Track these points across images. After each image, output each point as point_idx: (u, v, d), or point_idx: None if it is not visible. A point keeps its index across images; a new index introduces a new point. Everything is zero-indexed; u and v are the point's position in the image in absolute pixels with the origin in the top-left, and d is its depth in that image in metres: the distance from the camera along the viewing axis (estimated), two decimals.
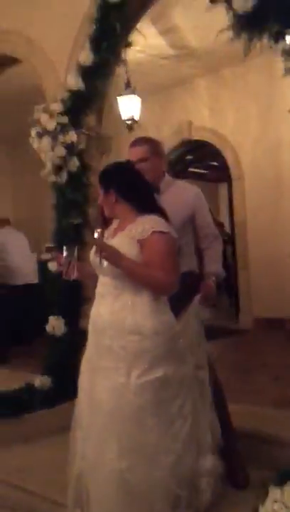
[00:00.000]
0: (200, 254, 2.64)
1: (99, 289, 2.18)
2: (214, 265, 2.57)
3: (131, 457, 1.94)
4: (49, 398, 3.14)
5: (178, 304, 2.22)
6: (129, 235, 2.09)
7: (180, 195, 2.54)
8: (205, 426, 2.19)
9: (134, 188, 2.21)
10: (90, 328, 2.20)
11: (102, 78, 3.43)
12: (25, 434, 2.97)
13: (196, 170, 10.42)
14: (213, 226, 2.61)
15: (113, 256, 2.00)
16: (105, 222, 2.39)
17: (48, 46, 3.82)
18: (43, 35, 3.90)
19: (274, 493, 1.57)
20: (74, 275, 2.13)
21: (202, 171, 10.69)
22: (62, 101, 3.43)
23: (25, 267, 5.55)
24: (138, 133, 6.31)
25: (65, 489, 2.14)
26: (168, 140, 6.98)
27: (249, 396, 3.20)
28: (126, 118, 5.43)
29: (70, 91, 3.40)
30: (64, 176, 3.45)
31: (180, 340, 2.16)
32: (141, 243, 2.06)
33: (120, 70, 4.83)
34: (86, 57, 3.32)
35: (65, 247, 2.15)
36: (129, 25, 3.31)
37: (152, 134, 7.02)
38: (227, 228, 8.19)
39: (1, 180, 8.53)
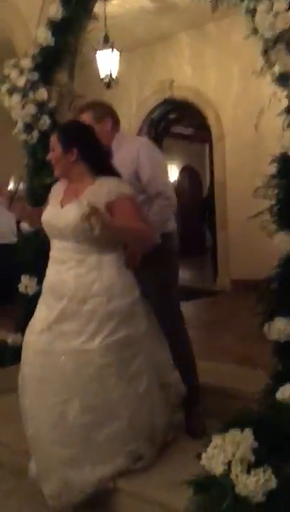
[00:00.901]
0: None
1: (57, 254, 2.15)
2: None
3: (92, 415, 2.02)
4: (20, 355, 3.21)
5: None
6: (94, 196, 2.06)
7: (127, 152, 2.37)
8: (158, 384, 2.24)
9: (96, 148, 2.20)
10: (47, 293, 2.18)
11: (73, 33, 3.34)
12: None
13: (182, 131, 10.24)
14: (156, 182, 2.32)
15: (106, 218, 1.94)
16: None
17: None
18: None
19: (216, 440, 1.67)
20: (17, 211, 2.21)
21: (189, 132, 10.52)
22: (33, 57, 3.35)
23: (2, 227, 5.51)
24: (119, 91, 6.18)
25: None
26: (150, 99, 6.87)
27: (215, 354, 3.31)
28: (103, 75, 5.27)
29: (40, 46, 3.32)
30: (35, 135, 3.40)
31: (139, 302, 2.20)
32: (108, 205, 2.05)
33: (98, 25, 4.67)
34: (56, 11, 3.23)
35: (11, 180, 2.16)
36: None
37: (133, 92, 6.93)
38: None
39: None
